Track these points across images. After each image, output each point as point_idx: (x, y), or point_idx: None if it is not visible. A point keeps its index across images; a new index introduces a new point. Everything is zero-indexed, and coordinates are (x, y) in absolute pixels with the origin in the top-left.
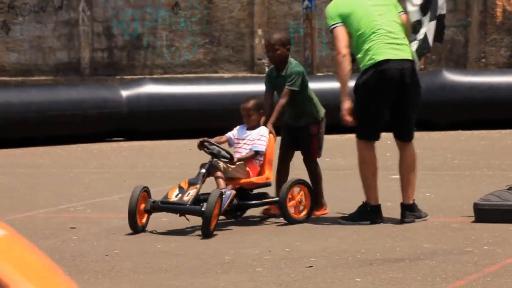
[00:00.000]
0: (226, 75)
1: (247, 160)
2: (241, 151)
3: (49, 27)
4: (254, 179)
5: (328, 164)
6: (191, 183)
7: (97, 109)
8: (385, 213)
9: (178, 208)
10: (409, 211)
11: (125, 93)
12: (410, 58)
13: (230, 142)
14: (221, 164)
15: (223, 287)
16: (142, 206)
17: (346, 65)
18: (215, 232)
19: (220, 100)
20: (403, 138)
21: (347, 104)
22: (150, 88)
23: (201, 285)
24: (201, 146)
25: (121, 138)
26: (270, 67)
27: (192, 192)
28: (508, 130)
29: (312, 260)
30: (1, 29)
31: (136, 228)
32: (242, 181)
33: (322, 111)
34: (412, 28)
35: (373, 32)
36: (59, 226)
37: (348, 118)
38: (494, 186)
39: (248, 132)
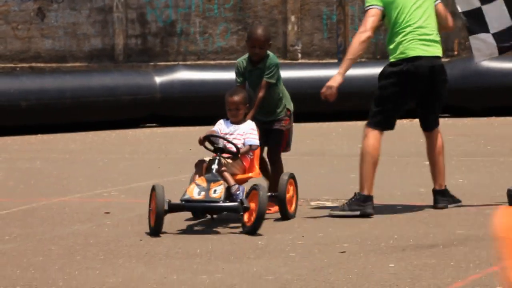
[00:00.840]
0: None
1: (242, 155)
2: (232, 146)
3: (84, 14)
4: (251, 174)
5: None
6: (211, 180)
7: (131, 95)
8: (418, 200)
9: (212, 206)
10: (441, 196)
11: (158, 79)
12: (440, 55)
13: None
14: (223, 160)
15: (255, 272)
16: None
17: (363, 46)
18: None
19: None
20: (429, 128)
21: (339, 80)
22: (184, 75)
23: (234, 270)
24: (204, 141)
25: (154, 124)
26: (242, 59)
27: (218, 188)
28: None
29: (345, 245)
30: (36, 16)
31: (159, 230)
32: (239, 177)
33: (291, 104)
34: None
35: (408, 25)
36: (93, 210)
37: (332, 93)
38: None
39: (235, 126)
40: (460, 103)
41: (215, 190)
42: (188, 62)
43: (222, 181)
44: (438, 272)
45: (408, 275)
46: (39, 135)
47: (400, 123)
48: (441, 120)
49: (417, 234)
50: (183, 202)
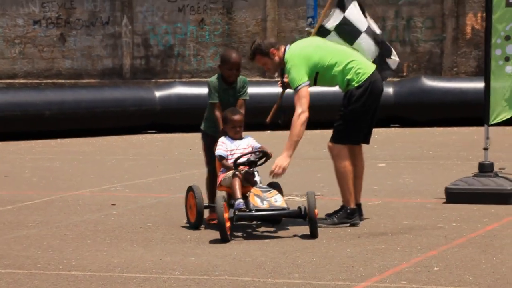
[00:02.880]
0: None
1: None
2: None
3: (97, 39)
4: None
5: None
6: (266, 191)
7: (135, 106)
8: (372, 196)
9: (280, 213)
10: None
11: (158, 93)
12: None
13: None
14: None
15: (236, 255)
16: (225, 215)
17: (305, 126)
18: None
19: None
20: (368, 141)
21: (288, 161)
22: (179, 90)
23: (218, 253)
24: (237, 167)
25: (154, 131)
26: (214, 79)
27: (278, 198)
28: (475, 127)
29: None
30: (58, 40)
31: (228, 238)
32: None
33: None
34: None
35: (347, 58)
36: (102, 202)
37: (280, 172)
38: (463, 173)
39: (237, 141)
40: (408, 115)
41: (275, 199)
42: (183, 79)
43: (275, 191)
44: (387, 256)
45: (362, 258)
46: (58, 139)
47: None
48: (392, 129)
49: (371, 224)
50: (254, 211)
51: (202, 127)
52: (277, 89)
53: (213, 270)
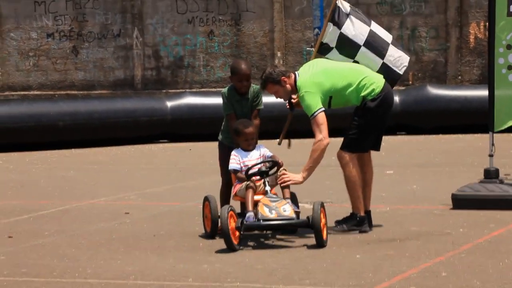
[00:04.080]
0: None
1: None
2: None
3: (109, 51)
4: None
5: None
6: (274, 200)
7: (147, 116)
8: (380, 202)
9: (288, 223)
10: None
11: (169, 103)
12: None
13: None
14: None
15: (247, 262)
16: (233, 225)
17: (324, 153)
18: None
19: None
20: (379, 148)
21: (299, 181)
22: (190, 100)
23: (230, 260)
24: (249, 177)
25: (166, 140)
26: (228, 91)
27: (287, 208)
28: (480, 134)
29: None
30: (71, 52)
31: (234, 247)
32: (272, 191)
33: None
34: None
35: (359, 76)
36: (116, 211)
37: (287, 180)
38: (469, 180)
39: (250, 153)
40: (414, 123)
41: (284, 209)
42: (194, 90)
43: (284, 200)
44: (396, 262)
45: (371, 264)
46: (72, 149)
47: None
48: (399, 137)
49: (379, 230)
50: (262, 221)
51: (219, 138)
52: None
53: (226, 277)
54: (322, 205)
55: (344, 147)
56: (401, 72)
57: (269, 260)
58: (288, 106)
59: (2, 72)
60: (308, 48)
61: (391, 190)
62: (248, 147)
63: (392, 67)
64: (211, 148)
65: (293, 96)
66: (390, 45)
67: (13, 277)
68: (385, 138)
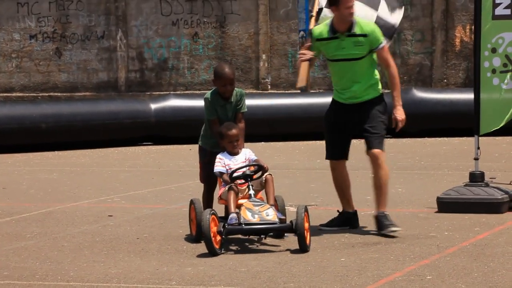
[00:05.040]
0: None
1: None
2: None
3: (93, 52)
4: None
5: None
6: (258, 204)
7: (131, 119)
8: (365, 206)
9: (270, 228)
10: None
11: (153, 105)
12: None
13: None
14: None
15: (232, 265)
16: (214, 229)
17: None
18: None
19: None
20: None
21: (403, 112)
22: (174, 102)
23: (214, 263)
24: (232, 181)
25: (150, 143)
26: (211, 95)
27: (269, 212)
28: (465, 137)
29: None
30: (54, 54)
31: (215, 251)
32: (258, 196)
33: None
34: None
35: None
36: (99, 214)
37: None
38: (453, 183)
39: (235, 157)
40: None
41: (267, 213)
42: (178, 92)
43: (267, 204)
44: (381, 265)
45: (356, 267)
46: (55, 151)
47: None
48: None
49: (364, 233)
50: (243, 225)
51: (200, 143)
52: (270, 101)
53: (209, 280)
54: (305, 209)
55: (380, 145)
56: (397, 23)
57: (253, 263)
58: (307, 45)
59: None
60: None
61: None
62: (233, 150)
63: (387, 20)
64: (195, 151)
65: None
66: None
67: None
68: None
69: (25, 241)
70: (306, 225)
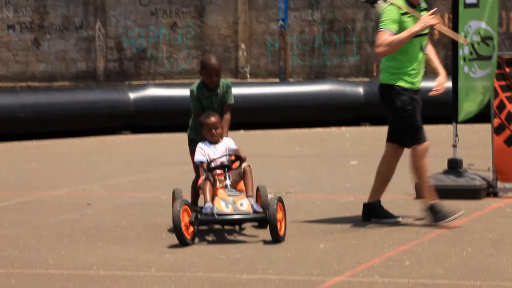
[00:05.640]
0: None
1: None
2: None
3: (71, 42)
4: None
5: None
6: (232, 195)
7: (110, 108)
8: (344, 192)
9: (243, 218)
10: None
11: (132, 95)
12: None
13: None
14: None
15: (211, 252)
16: (186, 219)
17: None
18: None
19: None
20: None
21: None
22: (153, 91)
23: (193, 251)
24: (211, 170)
25: (129, 132)
26: (197, 87)
27: (244, 202)
28: (443, 125)
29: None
30: (32, 44)
31: (186, 241)
32: (239, 187)
33: None
34: None
35: None
36: (78, 202)
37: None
38: (432, 170)
39: (215, 146)
40: (377, 114)
41: (241, 204)
42: (157, 81)
43: (243, 195)
44: (360, 251)
45: (335, 253)
46: (34, 141)
47: (329, 130)
48: (363, 128)
49: (343, 220)
50: (216, 215)
51: (188, 134)
52: (249, 90)
53: (189, 267)
54: (279, 199)
55: (419, 140)
56: None
57: (232, 251)
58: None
59: None
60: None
61: (355, 180)
62: (212, 138)
63: None
64: (174, 140)
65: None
66: None
67: None
68: (349, 129)
69: (4, 230)
70: (280, 215)
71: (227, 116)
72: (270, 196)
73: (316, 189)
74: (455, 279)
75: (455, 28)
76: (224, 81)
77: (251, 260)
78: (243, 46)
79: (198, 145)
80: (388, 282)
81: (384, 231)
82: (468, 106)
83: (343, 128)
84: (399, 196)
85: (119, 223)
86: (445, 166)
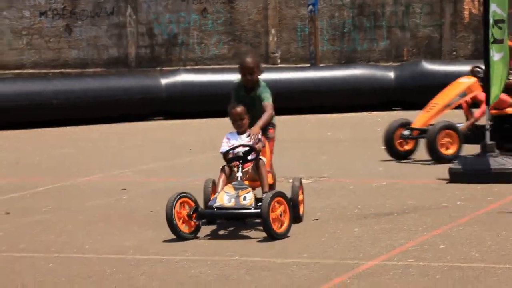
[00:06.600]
0: None
1: (258, 148)
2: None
3: (103, 29)
4: (269, 179)
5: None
6: (238, 188)
7: (142, 94)
8: (377, 176)
9: (241, 214)
10: None
11: (164, 81)
12: None
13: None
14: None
15: (246, 237)
16: (183, 212)
17: None
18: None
19: None
20: None
21: None
22: (185, 77)
23: (228, 234)
24: (225, 158)
25: (161, 118)
26: (238, 82)
27: (248, 196)
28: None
29: (318, 214)
30: (64, 31)
31: (180, 234)
32: (258, 183)
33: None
34: None
35: None
36: (112, 188)
37: None
38: (465, 154)
39: (241, 136)
40: (409, 98)
41: (244, 197)
42: (188, 67)
43: (249, 188)
44: (394, 235)
45: (369, 237)
46: (67, 127)
47: (360, 115)
48: (395, 112)
49: (376, 204)
50: (215, 209)
51: None
52: (280, 75)
53: (224, 251)
54: (277, 195)
55: None
56: None
57: (263, 234)
58: None
59: None
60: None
61: (388, 164)
62: (239, 129)
63: None
64: (206, 125)
65: None
66: None
67: (12, 252)
68: (381, 114)
69: (40, 215)
70: (278, 211)
71: (269, 112)
72: (306, 181)
73: (349, 174)
74: (491, 262)
75: (486, 12)
76: (263, 83)
77: (285, 244)
78: (273, 31)
79: (225, 136)
80: (424, 265)
81: (417, 215)
82: (494, 89)
83: (375, 113)
84: (432, 181)
85: (153, 208)
86: (478, 150)
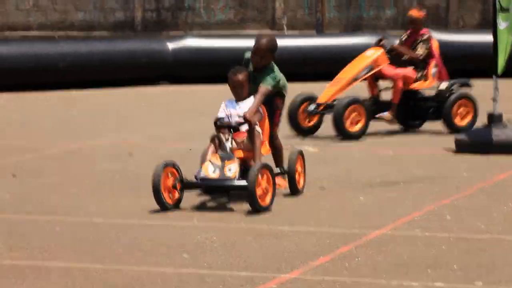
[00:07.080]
0: (251, 31)
1: (252, 120)
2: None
3: None
4: (263, 151)
5: None
6: (225, 158)
7: (148, 58)
8: (383, 146)
9: (225, 185)
10: None
11: (171, 45)
12: None
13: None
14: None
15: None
16: (170, 182)
17: None
18: None
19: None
20: None
21: None
22: (191, 42)
23: (235, 202)
24: (217, 128)
25: (167, 82)
26: (246, 58)
27: (232, 167)
28: (480, 79)
29: (324, 183)
30: None
31: (164, 205)
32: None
33: (287, 86)
34: None
35: None
36: (119, 152)
37: None
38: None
39: (240, 104)
40: None
41: (229, 169)
42: (194, 32)
43: (236, 160)
44: (400, 204)
45: (375, 206)
46: (73, 90)
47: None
48: None
49: (382, 173)
50: (199, 180)
51: None
52: (286, 42)
53: (230, 218)
54: (264, 167)
55: None
56: None
57: (273, 203)
58: None
59: (1, 12)
60: None
61: (395, 134)
62: (238, 98)
63: None
64: (212, 91)
65: None
66: None
67: (18, 214)
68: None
69: (47, 178)
70: (263, 185)
71: (257, 94)
72: (313, 149)
73: (355, 142)
74: (496, 233)
75: None
76: (275, 68)
77: (292, 212)
78: None
79: (222, 103)
80: (429, 236)
81: (423, 185)
82: (500, 59)
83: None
84: (438, 151)
85: None
86: (484, 120)
